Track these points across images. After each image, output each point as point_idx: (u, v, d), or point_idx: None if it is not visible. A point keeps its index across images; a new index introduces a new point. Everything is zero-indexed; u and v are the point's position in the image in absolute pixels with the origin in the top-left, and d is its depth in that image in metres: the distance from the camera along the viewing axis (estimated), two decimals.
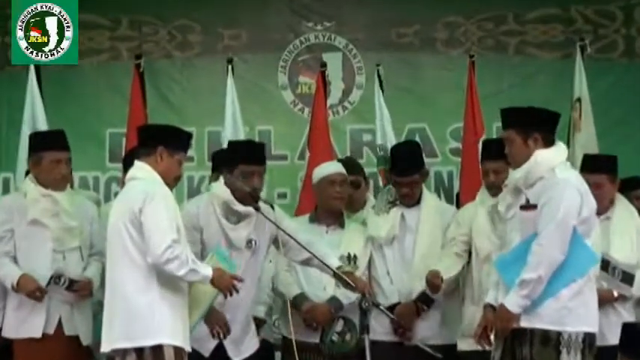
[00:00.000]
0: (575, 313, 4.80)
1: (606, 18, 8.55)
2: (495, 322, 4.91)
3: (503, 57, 8.53)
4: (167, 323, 4.75)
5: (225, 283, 4.95)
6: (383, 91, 7.64)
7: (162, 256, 4.70)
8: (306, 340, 5.87)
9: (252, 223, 5.44)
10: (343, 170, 6.12)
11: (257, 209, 5.23)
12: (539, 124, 4.98)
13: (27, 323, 5.69)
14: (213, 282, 4.89)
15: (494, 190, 5.68)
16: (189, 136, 5.15)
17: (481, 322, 5.08)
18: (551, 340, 4.78)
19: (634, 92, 8.41)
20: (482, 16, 8.55)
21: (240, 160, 5.44)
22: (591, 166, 5.88)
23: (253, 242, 5.46)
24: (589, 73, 7.56)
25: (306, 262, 5.56)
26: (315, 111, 7.59)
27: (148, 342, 4.71)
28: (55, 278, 5.65)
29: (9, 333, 5.76)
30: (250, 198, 5.27)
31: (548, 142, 4.98)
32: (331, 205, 6.03)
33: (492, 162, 5.77)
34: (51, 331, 5.70)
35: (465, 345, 5.72)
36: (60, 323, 5.73)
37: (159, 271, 4.76)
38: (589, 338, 4.84)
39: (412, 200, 5.98)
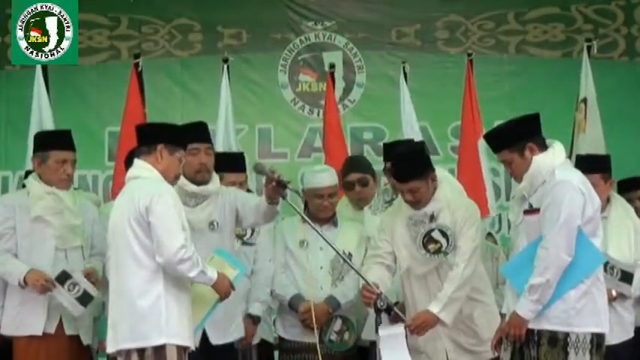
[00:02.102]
0: (583, 313, 4.79)
1: (607, 17, 8.56)
2: (509, 330, 4.88)
3: (503, 56, 8.55)
4: (172, 323, 4.72)
5: (225, 289, 4.97)
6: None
7: (175, 257, 4.68)
8: (304, 341, 5.88)
9: (211, 205, 5.43)
10: (332, 181, 6.04)
11: (284, 197, 5.20)
12: (527, 134, 4.97)
13: (27, 321, 5.67)
14: (214, 285, 4.90)
15: (415, 205, 5.44)
16: (188, 132, 5.17)
17: (497, 331, 5.07)
18: (559, 341, 4.78)
19: (635, 91, 8.42)
20: (482, 15, 8.58)
21: (187, 140, 5.37)
22: (584, 166, 5.85)
23: (215, 223, 5.45)
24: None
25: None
26: (327, 113, 7.60)
27: (152, 342, 4.68)
28: (70, 285, 5.65)
29: (8, 330, 5.75)
30: (277, 186, 5.24)
31: (543, 146, 4.97)
32: (318, 215, 6.02)
33: (405, 183, 5.44)
34: (52, 330, 5.68)
35: None
36: (61, 322, 5.72)
37: (171, 270, 4.74)
38: (597, 338, 4.82)
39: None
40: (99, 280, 5.76)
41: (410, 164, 5.43)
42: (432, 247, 5.38)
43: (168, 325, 4.69)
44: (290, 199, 5.16)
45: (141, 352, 4.70)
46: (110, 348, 4.81)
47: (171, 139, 4.98)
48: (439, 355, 5.44)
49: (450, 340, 5.44)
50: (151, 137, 4.97)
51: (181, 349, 4.76)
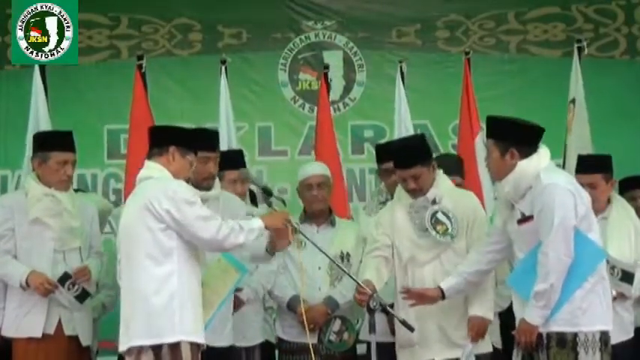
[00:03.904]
0: (589, 312, 4.82)
1: (607, 17, 8.56)
2: (519, 337, 4.93)
3: (504, 56, 8.56)
4: (186, 320, 4.73)
5: (279, 221, 5.00)
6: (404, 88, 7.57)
7: (217, 237, 4.73)
8: (303, 342, 5.88)
9: (212, 208, 5.40)
10: (321, 171, 6.09)
11: (269, 204, 5.24)
12: (517, 140, 4.98)
13: (27, 322, 5.69)
14: (269, 228, 4.94)
15: (416, 193, 5.48)
16: (200, 137, 5.18)
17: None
18: (567, 342, 4.81)
19: (636, 90, 8.41)
20: (483, 15, 8.59)
21: (198, 147, 5.42)
22: (585, 167, 5.88)
23: None
24: (591, 72, 7.54)
25: None
26: (320, 112, 7.60)
27: (168, 339, 4.68)
28: (69, 284, 5.67)
29: (9, 332, 5.76)
30: (263, 193, 5.29)
31: (526, 155, 4.97)
32: (312, 208, 6.05)
33: (407, 169, 5.48)
34: (51, 331, 5.71)
35: (404, 357, 5.54)
36: (60, 323, 5.74)
37: (226, 251, 4.86)
38: (604, 336, 4.86)
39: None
40: (92, 278, 5.78)
41: (413, 150, 5.49)
42: (439, 227, 5.40)
43: (182, 323, 4.70)
44: (276, 206, 5.19)
45: (157, 349, 4.69)
46: (122, 346, 4.80)
47: (184, 142, 4.99)
48: (430, 346, 5.43)
49: (441, 333, 5.43)
50: (163, 139, 4.98)
51: (195, 347, 4.77)
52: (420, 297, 5.28)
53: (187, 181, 5.00)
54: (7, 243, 5.74)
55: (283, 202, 5.26)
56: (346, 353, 5.93)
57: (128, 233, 4.83)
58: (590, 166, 5.88)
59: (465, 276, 5.24)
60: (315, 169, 6.12)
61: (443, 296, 5.26)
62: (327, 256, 5.46)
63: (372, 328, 5.04)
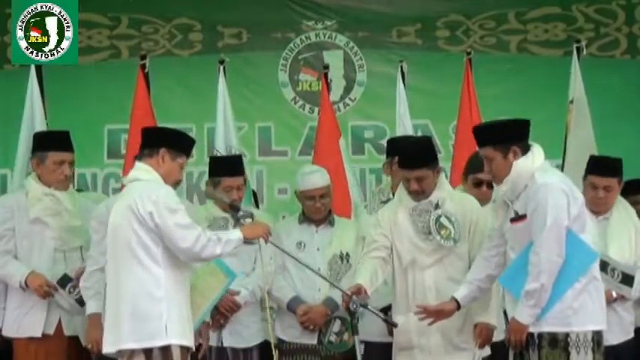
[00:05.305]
0: (580, 312, 4.82)
1: (608, 16, 8.56)
2: (509, 336, 4.94)
3: (504, 55, 8.55)
4: (175, 323, 4.74)
5: (259, 233, 5.00)
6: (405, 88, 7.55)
7: (194, 248, 4.73)
8: (303, 342, 5.89)
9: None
10: (322, 183, 6.03)
11: (237, 219, 5.26)
12: (516, 137, 4.99)
13: (27, 323, 5.72)
14: (248, 238, 4.94)
15: (418, 196, 5.44)
16: (192, 141, 5.15)
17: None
18: (559, 342, 4.81)
19: (637, 89, 8.40)
20: (483, 14, 8.58)
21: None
22: (603, 169, 5.88)
23: None
24: (592, 71, 7.52)
25: None
26: (322, 112, 7.59)
27: (158, 342, 4.70)
28: (70, 287, 5.67)
29: (9, 332, 5.78)
30: (230, 209, 5.37)
31: (524, 151, 4.98)
32: (312, 217, 6.06)
33: (413, 171, 5.43)
34: (51, 331, 5.73)
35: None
36: (60, 323, 5.75)
37: (201, 261, 4.87)
38: (597, 336, 4.86)
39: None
40: None
41: (419, 152, 5.47)
42: (443, 232, 5.38)
43: (171, 327, 4.72)
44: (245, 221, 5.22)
45: (148, 352, 4.70)
46: (109, 348, 4.81)
47: (175, 144, 4.99)
48: (432, 350, 5.42)
49: (444, 338, 5.41)
50: (154, 140, 4.98)
51: (185, 350, 4.79)
52: (437, 313, 5.24)
53: (177, 184, 5.03)
54: (7, 243, 5.76)
55: (252, 216, 5.25)
56: (346, 354, 5.89)
57: (116, 235, 4.84)
58: (609, 170, 5.91)
59: (477, 283, 5.21)
60: (317, 181, 6.03)
61: (458, 307, 5.24)
62: (313, 270, 5.49)
63: (354, 330, 5.03)
